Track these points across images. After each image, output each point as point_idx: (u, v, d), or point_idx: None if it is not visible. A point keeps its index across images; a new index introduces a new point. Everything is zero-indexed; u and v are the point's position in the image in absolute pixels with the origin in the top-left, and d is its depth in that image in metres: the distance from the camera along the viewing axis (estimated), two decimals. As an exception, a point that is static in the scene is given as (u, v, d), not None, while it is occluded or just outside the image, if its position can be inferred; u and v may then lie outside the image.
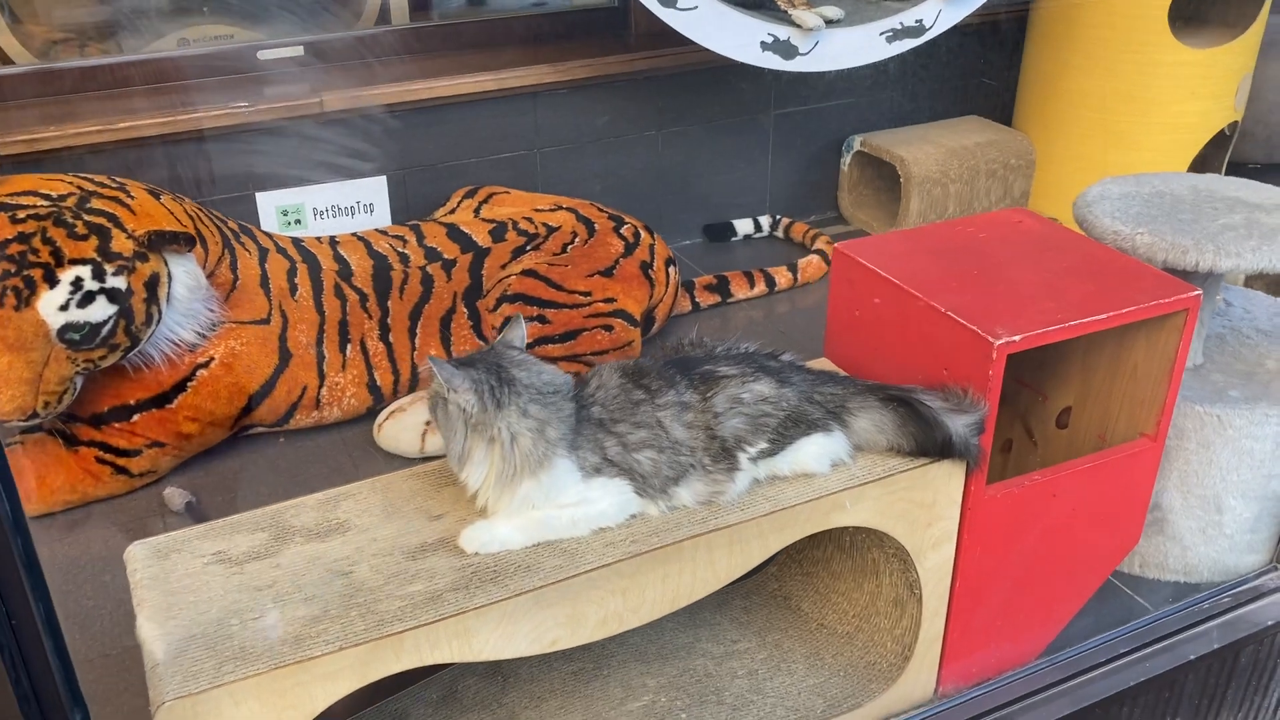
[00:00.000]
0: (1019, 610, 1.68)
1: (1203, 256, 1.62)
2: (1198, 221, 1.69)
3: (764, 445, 1.34)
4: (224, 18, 2.86)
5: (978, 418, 1.42)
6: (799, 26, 2.70)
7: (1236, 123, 3.19)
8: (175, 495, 2.10)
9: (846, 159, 3.36)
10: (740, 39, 2.68)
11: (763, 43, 2.70)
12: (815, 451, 1.38)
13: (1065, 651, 1.75)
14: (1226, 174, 3.28)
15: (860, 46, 2.83)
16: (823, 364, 1.69)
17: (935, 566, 1.53)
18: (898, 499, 1.44)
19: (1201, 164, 3.20)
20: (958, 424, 1.41)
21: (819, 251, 3.06)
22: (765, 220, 3.28)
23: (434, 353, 2.39)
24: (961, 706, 1.66)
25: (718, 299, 2.87)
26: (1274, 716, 2.01)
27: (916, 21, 2.85)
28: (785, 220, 3.27)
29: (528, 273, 2.44)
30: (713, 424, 1.32)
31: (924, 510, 1.47)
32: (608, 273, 2.49)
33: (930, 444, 1.42)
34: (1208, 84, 3.03)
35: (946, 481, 1.47)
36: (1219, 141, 3.19)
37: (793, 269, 2.97)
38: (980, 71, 3.46)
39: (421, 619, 1.19)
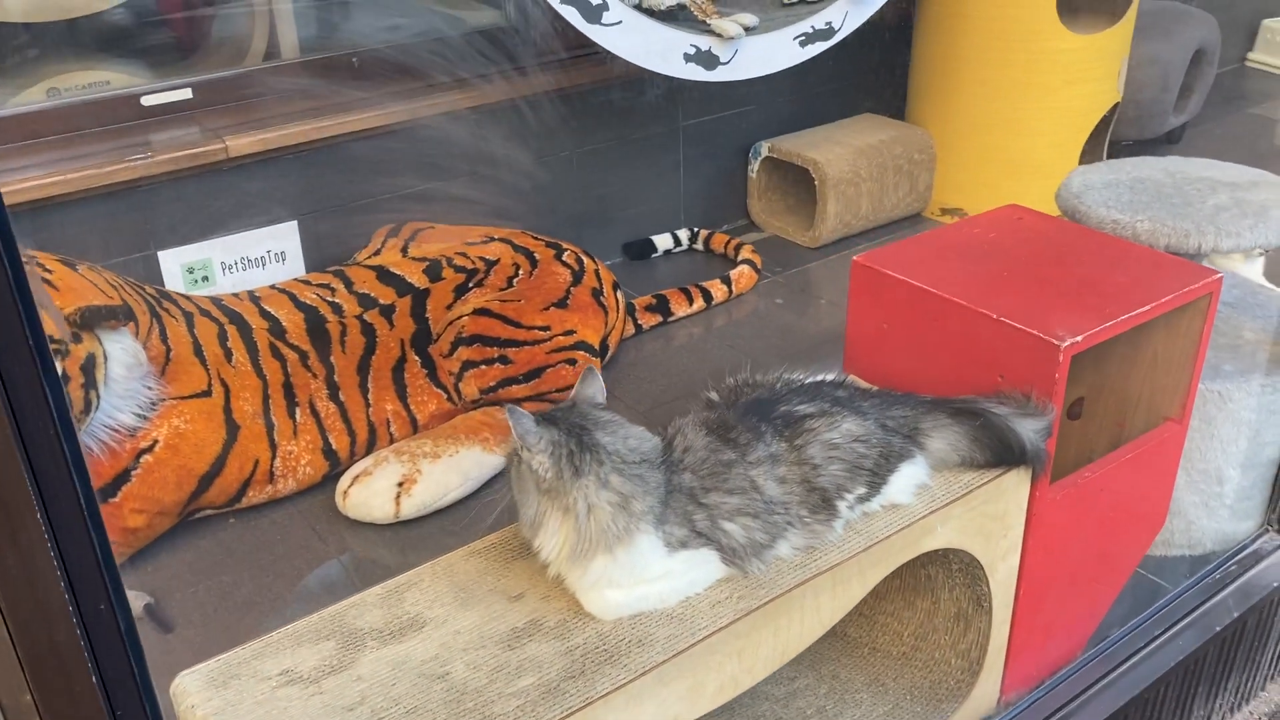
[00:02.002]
0: (1069, 607, 1.67)
1: (1204, 238, 1.66)
2: (1190, 205, 1.72)
3: (862, 490, 1.27)
4: (94, 62, 2.60)
5: (1046, 422, 1.40)
6: (720, 36, 2.66)
7: (1118, 103, 3.33)
8: (132, 599, 1.87)
9: (754, 165, 3.34)
10: (664, 52, 2.61)
11: (685, 54, 2.64)
12: (904, 483, 1.32)
13: (1106, 642, 1.76)
14: (1106, 153, 3.43)
15: (776, 52, 2.81)
16: (852, 380, 1.64)
17: (1004, 577, 1.50)
18: (976, 514, 1.40)
19: (1088, 146, 3.33)
20: (1028, 430, 1.38)
21: (747, 261, 3.03)
22: (684, 234, 3.22)
23: (390, 407, 2.23)
24: (1027, 713, 1.64)
25: (659, 319, 2.79)
26: (1272, 670, 2.08)
27: (826, 24, 2.85)
28: (704, 232, 3.23)
29: (481, 311, 2.30)
30: (810, 475, 1.24)
31: (998, 522, 1.44)
32: (562, 304, 2.38)
33: (1006, 454, 1.38)
34: (1094, 68, 3.15)
35: (1016, 490, 1.44)
36: (1102, 122, 3.33)
37: (726, 281, 2.92)
38: (871, 69, 3.51)
39: (544, 717, 1.06)
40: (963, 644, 1.59)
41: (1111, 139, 3.47)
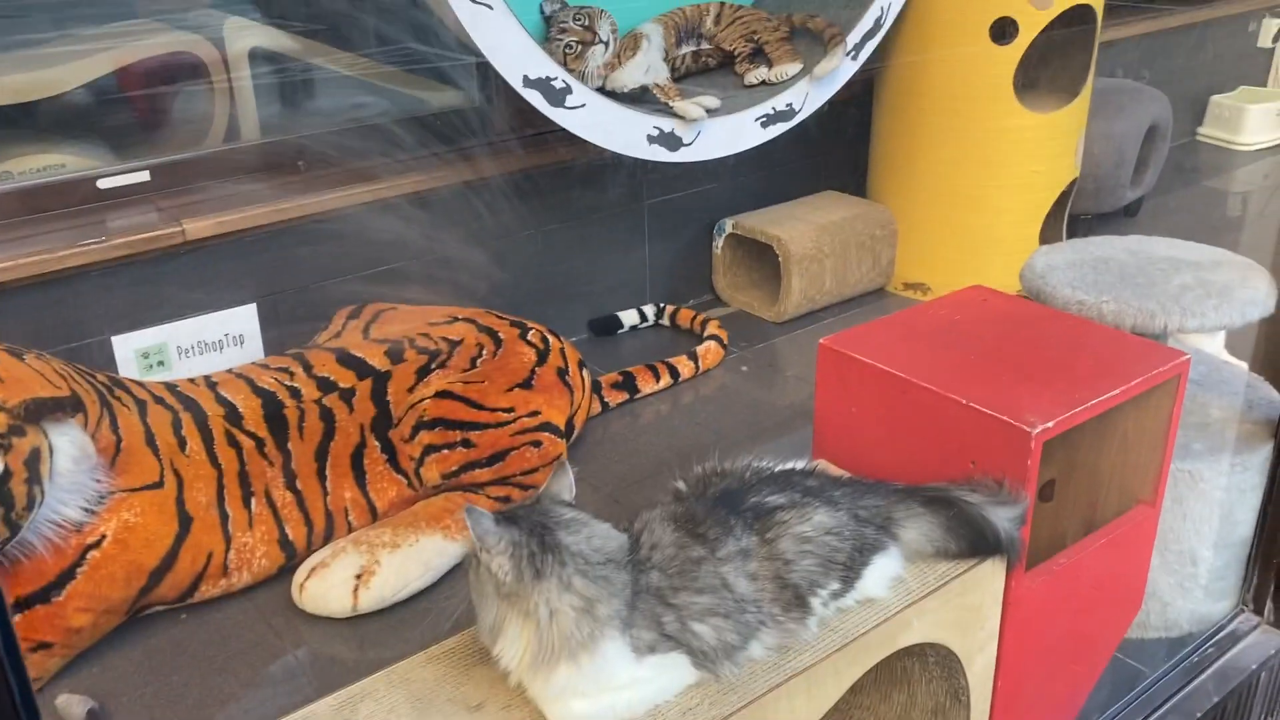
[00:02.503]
0: (1048, 695, 1.63)
1: (1170, 319, 1.66)
2: (1154, 285, 1.73)
3: (836, 585, 1.23)
4: (50, 145, 2.57)
5: (1020, 510, 1.37)
6: (682, 118, 2.67)
7: (1076, 179, 3.38)
8: (73, 703, 1.79)
9: (719, 242, 3.35)
10: (627, 134, 2.62)
11: (649, 136, 2.65)
12: (878, 576, 1.28)
13: (1087, 731, 1.72)
14: (1066, 227, 3.47)
15: (738, 133, 2.83)
16: (823, 466, 1.61)
17: (981, 669, 1.46)
18: (952, 607, 1.36)
19: (1048, 220, 3.37)
20: (1002, 519, 1.35)
21: (713, 337, 3.01)
22: (650, 310, 3.21)
23: (348, 494, 2.17)
24: (1009, 809, 1.58)
25: (625, 396, 2.76)
26: (1253, 755, 2.04)
27: (787, 105, 2.88)
28: (670, 308, 3.22)
29: (443, 394, 2.26)
30: (782, 571, 1.20)
31: (973, 614, 1.40)
32: (526, 384, 2.34)
33: (980, 543, 1.35)
34: (1051, 145, 3.20)
35: (991, 580, 1.41)
36: (1061, 197, 3.38)
37: (693, 358, 2.90)
38: (832, 147, 3.54)
39: (507, 841, 1.01)
40: (941, 738, 1.54)
41: (1070, 213, 3.51)
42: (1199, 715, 1.77)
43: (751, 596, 1.19)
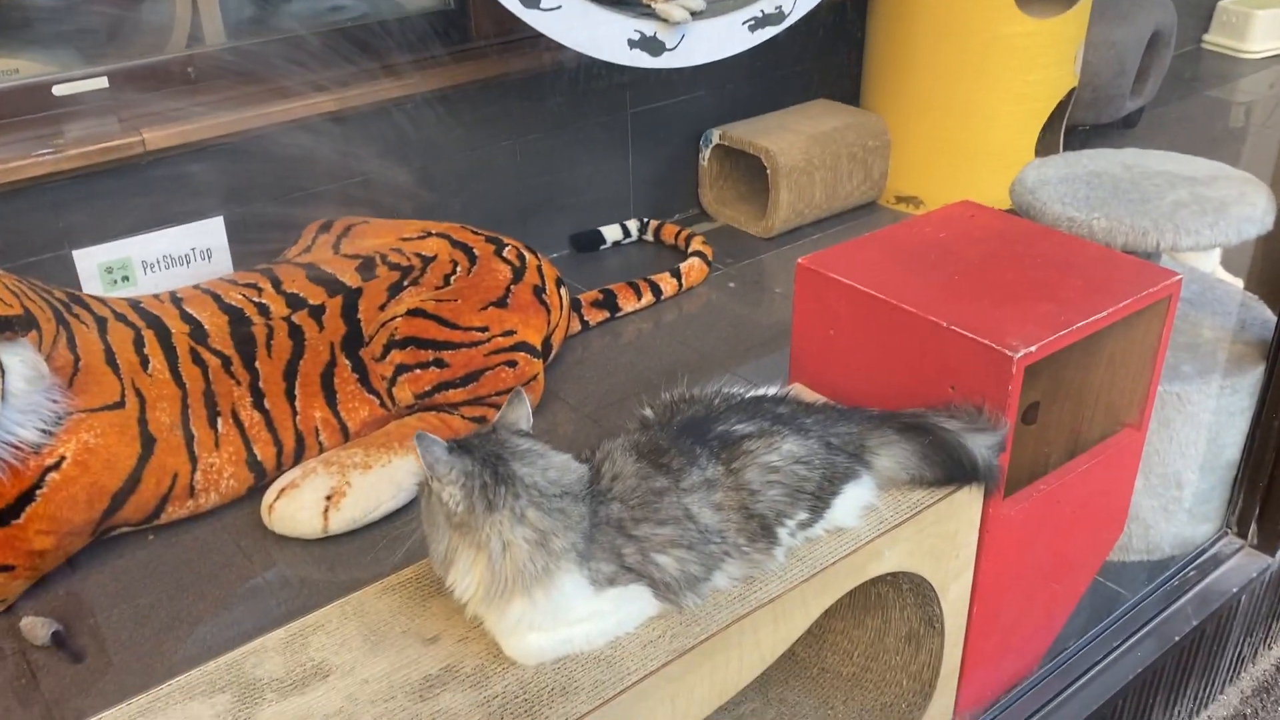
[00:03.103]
0: (1025, 622, 1.60)
1: (1163, 237, 1.59)
2: (1148, 201, 1.65)
3: (804, 515, 1.19)
4: (2, 49, 2.45)
5: (1000, 437, 1.32)
6: (665, 21, 2.56)
7: (1075, 88, 3.27)
8: (37, 625, 1.76)
9: (705, 153, 3.25)
10: (606, 38, 2.51)
11: (630, 40, 2.54)
12: (849, 506, 1.24)
13: (1063, 655, 1.70)
14: (1063, 139, 3.37)
15: (724, 37, 2.72)
16: (796, 391, 1.56)
17: (957, 597, 1.43)
18: (926, 535, 1.32)
19: (1044, 132, 3.27)
20: (979, 445, 1.31)
21: (698, 253, 2.94)
22: (633, 225, 3.13)
23: (318, 414, 2.12)
24: (981, 734, 1.57)
25: (606, 315, 2.70)
26: (1230, 676, 2.03)
27: (776, 8, 2.76)
28: (654, 223, 3.13)
29: (414, 312, 2.20)
30: (748, 501, 1.16)
31: (948, 542, 1.36)
32: (501, 303, 2.27)
33: (957, 471, 1.30)
34: (1050, 53, 3.09)
35: (968, 508, 1.37)
36: (1059, 108, 3.27)
37: (676, 275, 2.83)
38: (824, 54, 3.42)
39: (456, 778, 0.98)
40: (914, 665, 1.52)
41: (1068, 124, 3.41)
42: (1177, 639, 1.75)
43: (716, 527, 1.15)
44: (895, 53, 3.23)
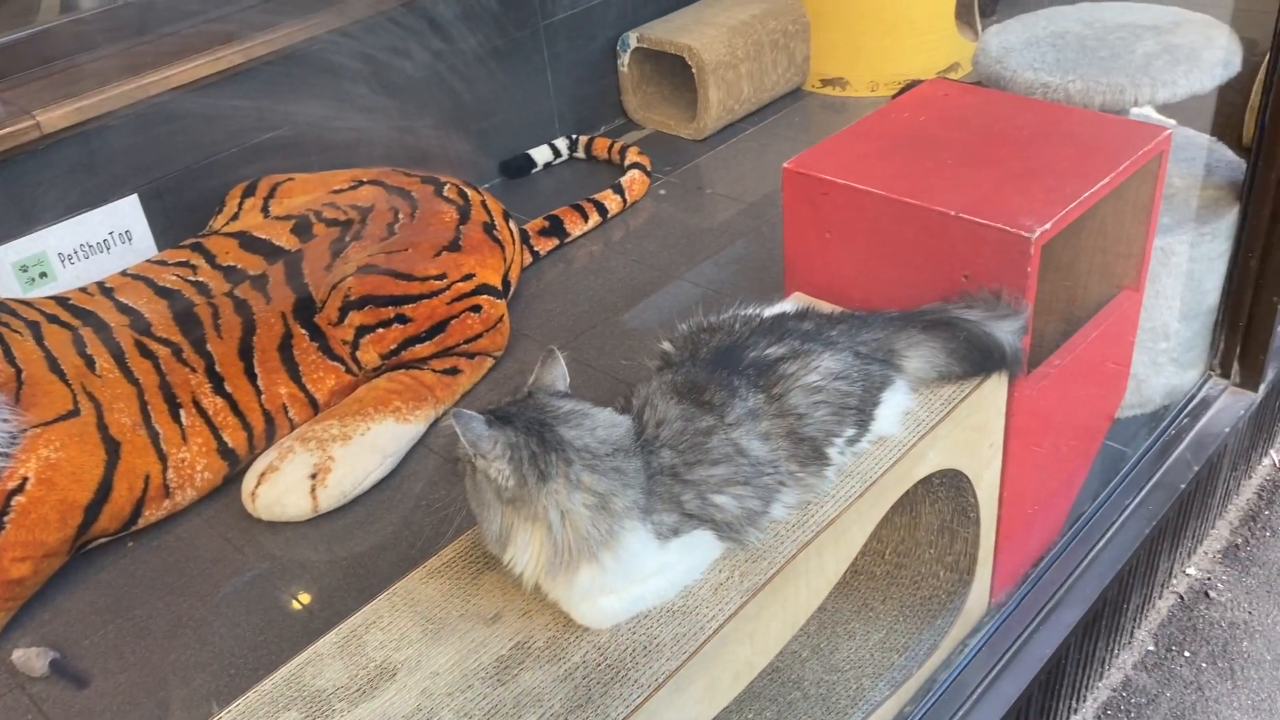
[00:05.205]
0: (1049, 493, 1.61)
1: (1140, 91, 1.56)
2: (1118, 57, 1.62)
3: (852, 431, 1.15)
4: None
5: (1022, 321, 1.30)
6: (575, -75, 2.42)
7: (986, -53, 3.22)
8: (32, 657, 1.66)
9: (624, 59, 3.13)
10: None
11: (542, -50, 2.40)
12: (890, 413, 1.21)
13: (1081, 521, 1.72)
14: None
15: (635, -65, 2.59)
16: (797, 300, 1.52)
17: (989, 484, 1.42)
18: (961, 430, 1.31)
19: (961, -6, 3.22)
20: (1005, 332, 1.28)
21: (636, 165, 2.85)
22: (562, 144, 3.02)
23: (284, 390, 2.02)
24: (1016, 614, 1.59)
25: (556, 242, 2.61)
26: (1220, 509, 2.10)
27: (684, -103, 2.63)
28: (584, 138, 3.02)
29: (365, 269, 2.09)
30: (796, 426, 1.11)
31: (980, 432, 1.35)
32: (454, 246, 2.17)
33: (985, 361, 1.28)
34: (961, -88, 3.02)
35: (995, 396, 1.35)
36: (972, -31, 3.22)
37: (618, 190, 2.75)
38: (729, -60, 3.29)
39: (558, 760, 0.94)
40: (950, 555, 1.52)
41: (978, -15, 3.36)
42: (1182, 487, 1.78)
43: (768, 458, 1.11)
44: (803, -70, 3.13)
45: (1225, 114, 1.91)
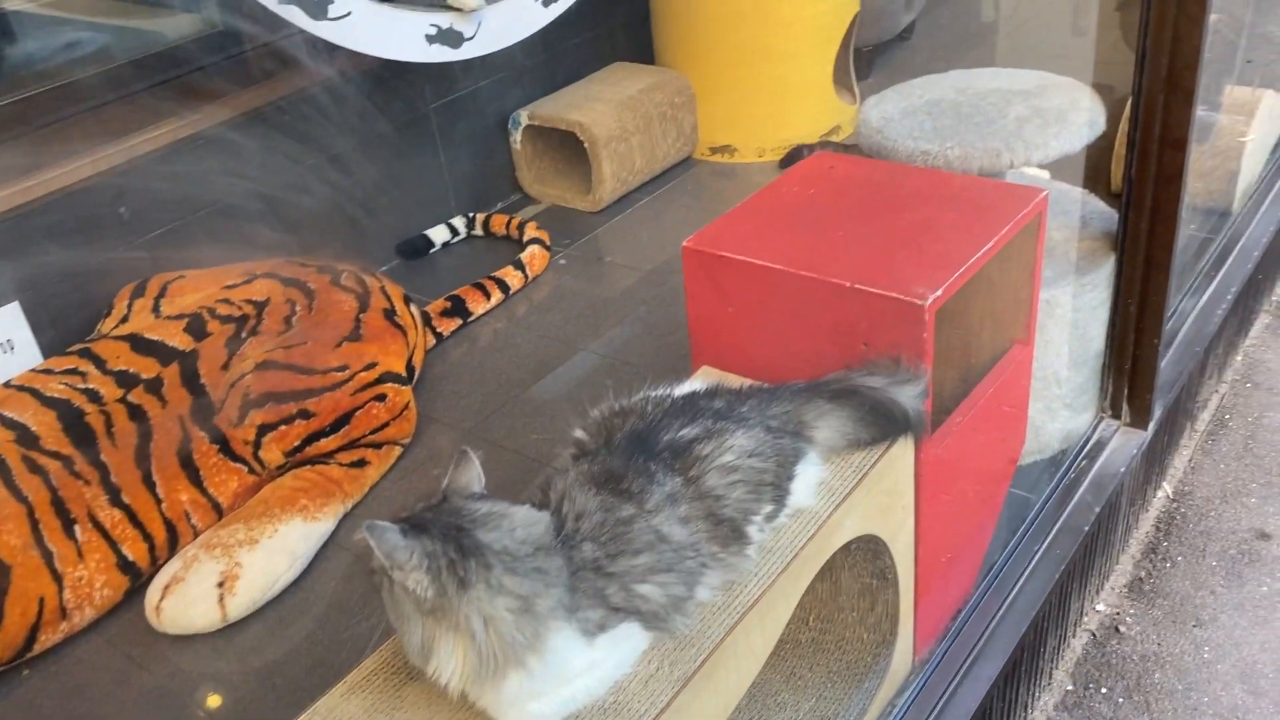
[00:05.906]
0: (960, 547, 1.65)
1: (1015, 155, 1.64)
2: (992, 122, 1.70)
3: (769, 507, 1.16)
4: None
5: (922, 385, 1.33)
6: (459, 10, 2.44)
7: (858, 13, 3.35)
8: (-79, 808, 1.55)
9: (516, 136, 3.16)
10: (403, 38, 2.37)
11: (427, 36, 2.41)
12: (805, 485, 1.22)
13: (994, 571, 1.76)
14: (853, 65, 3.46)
15: (519, 17, 2.62)
16: (705, 375, 1.53)
17: (904, 545, 1.45)
18: (873, 495, 1.33)
19: (837, 61, 3.34)
20: (907, 397, 1.31)
21: (535, 240, 2.86)
22: (459, 222, 3.01)
23: (185, 496, 1.95)
24: (940, 671, 1.61)
25: (459, 322, 2.60)
26: (1122, 547, 2.17)
27: (565, -21, 2.68)
28: (480, 216, 3.03)
29: (264, 365, 2.04)
30: (714, 507, 1.12)
31: (893, 496, 1.37)
32: (354, 336, 2.14)
33: (890, 426, 1.31)
34: (832, -17, 3.14)
35: (903, 458, 1.38)
36: (846, 35, 3.34)
37: (519, 266, 2.75)
38: (614, 16, 3.37)
39: None
40: (871, 617, 1.53)
41: (855, 47, 3.49)
42: (1085, 528, 1.84)
43: (689, 541, 1.11)
44: (683, 6, 3.22)
45: (1093, 161, 2.01)
